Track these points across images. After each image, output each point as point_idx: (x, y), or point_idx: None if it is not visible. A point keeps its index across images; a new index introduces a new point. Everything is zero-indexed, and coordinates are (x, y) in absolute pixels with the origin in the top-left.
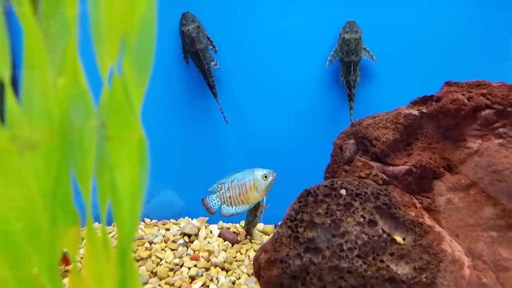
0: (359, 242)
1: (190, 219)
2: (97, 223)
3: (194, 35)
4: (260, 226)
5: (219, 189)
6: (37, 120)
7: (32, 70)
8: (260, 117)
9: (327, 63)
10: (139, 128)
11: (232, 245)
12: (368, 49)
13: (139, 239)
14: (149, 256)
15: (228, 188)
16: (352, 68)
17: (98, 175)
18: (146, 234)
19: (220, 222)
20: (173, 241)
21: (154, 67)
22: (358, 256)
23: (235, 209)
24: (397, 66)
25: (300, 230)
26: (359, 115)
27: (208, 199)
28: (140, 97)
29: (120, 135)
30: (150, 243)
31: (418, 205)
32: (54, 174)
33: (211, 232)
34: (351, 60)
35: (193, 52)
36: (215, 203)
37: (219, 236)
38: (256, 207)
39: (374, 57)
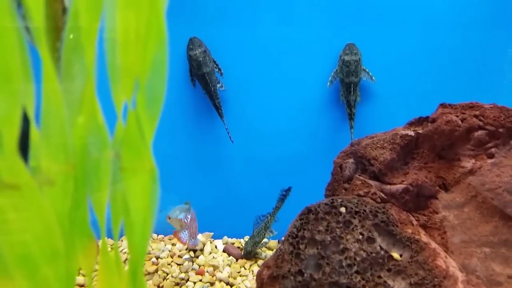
0: (358, 258)
1: None
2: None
3: (200, 59)
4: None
5: (186, 222)
6: (55, 154)
7: (49, 108)
8: (264, 136)
9: (328, 84)
10: (150, 159)
11: (237, 260)
12: (367, 70)
13: (146, 254)
14: (156, 271)
15: (190, 221)
16: (352, 89)
17: (112, 201)
18: (153, 249)
19: (225, 238)
20: (179, 256)
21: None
22: (357, 272)
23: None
24: (395, 87)
25: (301, 246)
26: (359, 133)
27: (182, 234)
28: (152, 130)
29: (133, 166)
30: (157, 258)
31: (415, 222)
32: (71, 201)
33: (216, 247)
34: (351, 81)
35: (200, 75)
36: (186, 236)
37: (224, 251)
38: (266, 227)
39: (374, 78)
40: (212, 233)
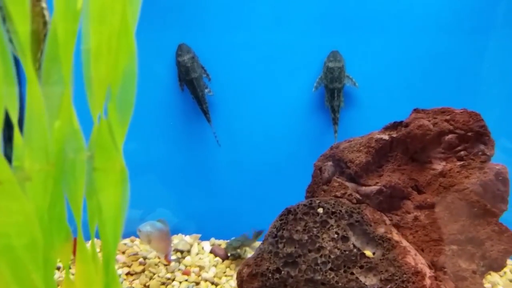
0: (332, 256)
1: (183, 235)
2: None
3: (189, 65)
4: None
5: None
6: (36, 154)
7: (32, 114)
8: (251, 140)
9: (313, 89)
10: (121, 160)
11: (223, 261)
12: (350, 76)
13: (134, 254)
14: (143, 271)
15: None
16: (336, 94)
17: (88, 199)
18: (141, 250)
19: (212, 239)
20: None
21: (153, 93)
22: (331, 269)
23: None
24: (378, 92)
25: (280, 246)
26: (343, 137)
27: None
28: (122, 135)
29: (105, 167)
30: (144, 258)
31: (388, 222)
32: (50, 198)
33: (203, 248)
34: (334, 87)
35: (188, 80)
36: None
37: (211, 252)
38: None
39: (357, 84)
40: (200, 235)
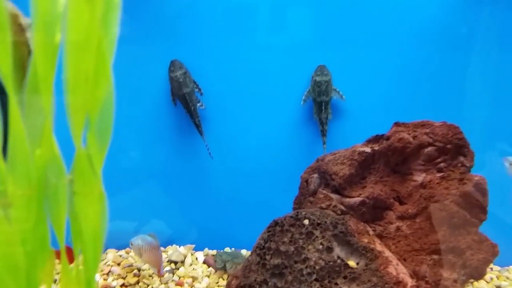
0: (317, 267)
1: (177, 246)
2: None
3: (181, 80)
4: (243, 251)
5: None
6: (19, 180)
7: (15, 142)
8: (242, 152)
9: (302, 102)
10: (99, 185)
11: (216, 271)
12: (337, 89)
13: (128, 266)
14: (137, 282)
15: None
16: (323, 107)
17: (72, 221)
18: (135, 262)
19: (206, 249)
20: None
21: (147, 108)
22: (316, 279)
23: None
24: (364, 104)
25: (267, 257)
26: (332, 148)
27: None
28: (101, 160)
29: (84, 191)
30: (139, 270)
31: (371, 232)
32: (33, 221)
33: (196, 259)
34: (322, 100)
35: (180, 95)
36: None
37: (204, 262)
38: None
39: (344, 97)
40: (194, 245)
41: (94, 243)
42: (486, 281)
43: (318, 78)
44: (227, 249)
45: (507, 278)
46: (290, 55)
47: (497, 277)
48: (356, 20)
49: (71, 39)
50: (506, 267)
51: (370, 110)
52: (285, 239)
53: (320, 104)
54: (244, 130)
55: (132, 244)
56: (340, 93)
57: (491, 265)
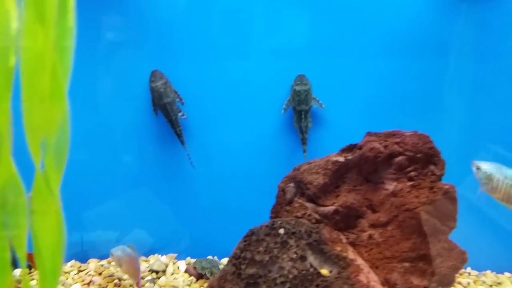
0: (291, 276)
1: (159, 256)
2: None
3: (162, 90)
4: (224, 260)
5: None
6: None
7: None
8: (224, 161)
9: (282, 111)
10: (56, 203)
11: (197, 280)
12: (317, 98)
13: (109, 276)
14: None
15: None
16: (303, 116)
17: (33, 238)
18: (117, 271)
19: (188, 258)
20: (141, 278)
21: (128, 118)
22: None
23: None
24: (343, 113)
25: (243, 267)
26: (312, 156)
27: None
28: (58, 179)
29: (41, 209)
30: (120, 279)
31: (344, 240)
32: None
33: (178, 268)
34: (302, 109)
35: (161, 105)
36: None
37: (186, 271)
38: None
39: (323, 105)
40: (176, 254)
41: (53, 260)
42: (464, 286)
43: (297, 88)
44: (210, 257)
45: (484, 282)
46: (270, 64)
47: (474, 282)
48: (335, 30)
49: (25, 62)
50: (483, 272)
51: (350, 118)
52: (261, 249)
53: (300, 113)
54: (225, 139)
55: (112, 255)
56: (320, 101)
57: (469, 270)
